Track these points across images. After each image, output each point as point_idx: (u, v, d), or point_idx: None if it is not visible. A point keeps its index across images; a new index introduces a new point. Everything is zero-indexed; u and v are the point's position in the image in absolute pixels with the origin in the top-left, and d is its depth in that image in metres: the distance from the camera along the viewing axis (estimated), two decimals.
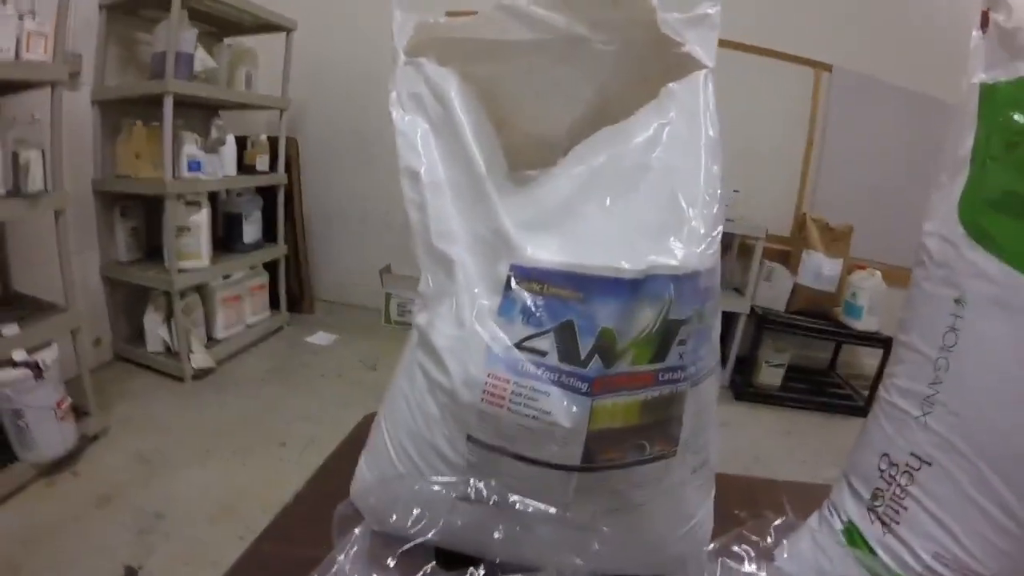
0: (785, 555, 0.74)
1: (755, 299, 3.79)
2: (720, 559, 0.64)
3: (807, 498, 0.80)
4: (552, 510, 0.58)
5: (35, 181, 2.20)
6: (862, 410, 3.63)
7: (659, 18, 0.65)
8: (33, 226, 2.64)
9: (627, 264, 0.56)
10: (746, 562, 0.68)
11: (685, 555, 0.65)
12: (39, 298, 2.53)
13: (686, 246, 0.59)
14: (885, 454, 0.69)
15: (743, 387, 3.78)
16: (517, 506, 0.58)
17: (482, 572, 0.57)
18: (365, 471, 0.72)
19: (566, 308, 0.56)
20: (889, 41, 3.71)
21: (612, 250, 0.57)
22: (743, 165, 3.89)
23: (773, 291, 3.76)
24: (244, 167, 3.61)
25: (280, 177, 3.83)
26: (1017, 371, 0.57)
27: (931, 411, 0.64)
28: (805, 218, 3.76)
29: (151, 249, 3.36)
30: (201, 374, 3.17)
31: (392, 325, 4.14)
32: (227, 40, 3.58)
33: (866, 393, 3.81)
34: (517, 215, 0.62)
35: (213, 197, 3.49)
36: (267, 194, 3.83)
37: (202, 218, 3.20)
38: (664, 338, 0.57)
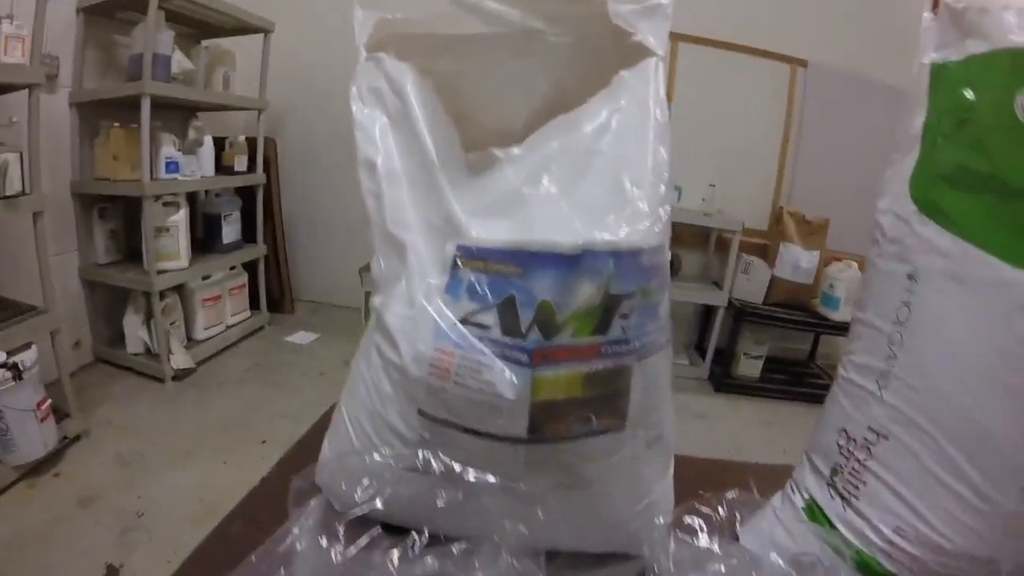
0: (746, 533, 0.75)
1: (733, 292, 3.83)
2: (672, 531, 0.65)
3: (774, 479, 0.81)
4: (495, 479, 0.60)
5: (13, 183, 2.20)
6: None
7: (611, 9, 0.67)
8: (11, 228, 2.62)
9: (564, 239, 0.58)
10: (700, 534, 0.70)
11: (642, 532, 0.66)
12: (18, 300, 2.51)
13: (629, 224, 0.61)
14: (843, 429, 0.70)
15: (722, 379, 3.82)
16: (464, 476, 0.60)
17: (425, 537, 0.58)
18: (327, 452, 0.74)
19: (508, 284, 0.58)
20: (864, 36, 3.75)
21: (553, 228, 0.59)
22: (720, 160, 3.94)
23: (751, 284, 3.80)
24: (222, 168, 3.60)
25: (259, 177, 3.82)
26: (970, 342, 0.58)
27: (887, 385, 0.65)
28: (782, 211, 3.80)
29: (130, 251, 3.35)
30: (182, 375, 3.16)
31: None
32: (204, 42, 3.59)
33: None
34: (468, 203, 0.64)
35: (192, 198, 3.49)
36: (246, 195, 3.82)
37: (180, 219, 3.20)
38: (606, 312, 0.59)
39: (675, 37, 3.83)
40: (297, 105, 4.21)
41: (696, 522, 0.70)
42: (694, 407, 3.53)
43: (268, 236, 4.06)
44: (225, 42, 3.66)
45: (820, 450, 0.74)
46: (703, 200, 3.77)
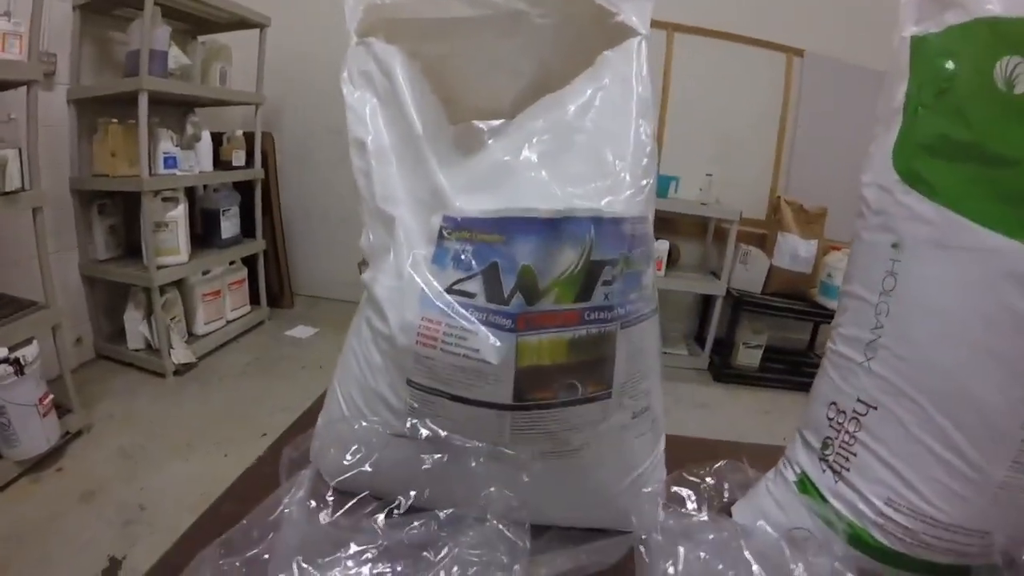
0: (740, 508, 0.76)
1: (731, 282, 3.83)
2: (661, 504, 0.66)
3: (769, 458, 0.81)
4: (482, 444, 0.61)
5: (12, 179, 2.20)
6: None
7: None
8: (11, 225, 2.63)
9: (544, 205, 0.59)
10: (688, 503, 0.71)
11: (632, 506, 0.67)
12: (18, 297, 2.52)
13: (610, 193, 0.62)
14: (833, 403, 0.71)
15: (722, 369, 3.82)
16: (451, 442, 0.61)
17: (411, 498, 0.59)
18: (321, 429, 0.76)
19: (491, 251, 0.59)
20: (860, 24, 3.74)
21: (535, 196, 0.60)
22: (717, 150, 3.95)
23: (749, 273, 3.81)
24: (220, 163, 3.62)
25: (257, 172, 3.83)
26: (955, 309, 0.59)
27: (874, 356, 0.65)
28: (780, 201, 3.80)
29: (130, 247, 3.36)
30: (182, 369, 3.17)
31: None
32: (201, 38, 3.59)
33: None
34: (454, 178, 0.65)
35: (190, 193, 3.49)
36: (244, 189, 3.83)
37: (179, 214, 3.20)
38: (588, 278, 0.60)
39: (671, 28, 3.83)
40: (294, 99, 4.21)
41: (684, 492, 0.71)
42: (693, 397, 3.54)
43: (267, 231, 4.06)
44: (221, 37, 3.67)
45: (811, 425, 0.75)
46: (701, 190, 3.78)
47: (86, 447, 2.47)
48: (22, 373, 2.15)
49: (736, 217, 3.68)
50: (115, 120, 3.00)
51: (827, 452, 0.71)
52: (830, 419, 0.71)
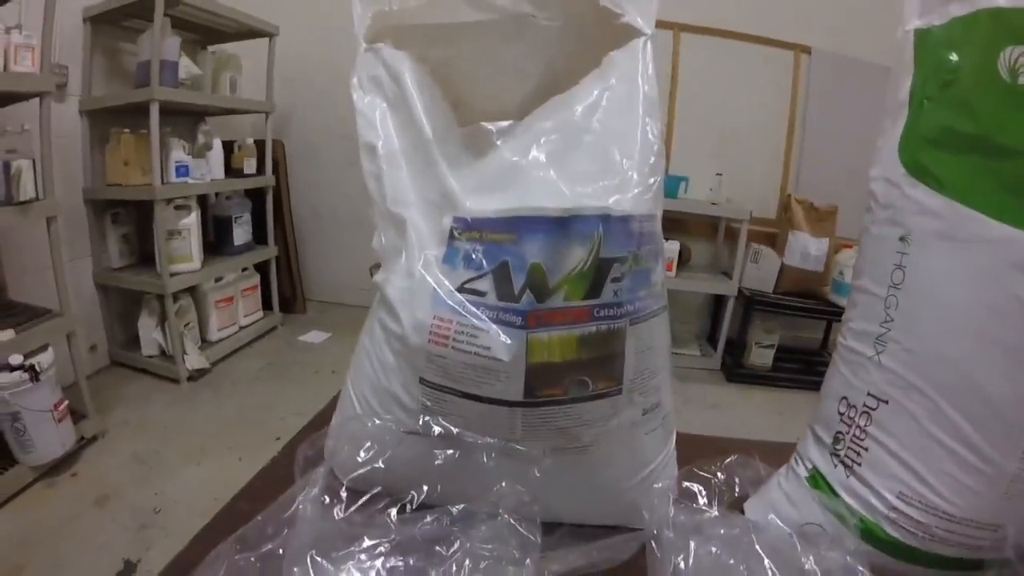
0: (752, 505, 0.77)
1: (743, 281, 3.82)
2: (673, 500, 0.66)
3: (781, 455, 0.82)
4: (493, 440, 0.62)
5: (26, 189, 2.23)
6: None
7: None
8: (26, 235, 2.66)
9: (552, 204, 0.60)
10: (699, 498, 0.71)
11: (642, 504, 0.67)
12: (33, 305, 2.55)
13: (618, 192, 0.63)
14: (844, 397, 0.71)
15: (734, 369, 3.81)
16: (463, 438, 0.62)
17: (424, 492, 0.60)
18: (335, 429, 0.77)
19: (501, 251, 0.60)
20: (867, 21, 3.73)
21: (543, 196, 0.61)
22: (726, 149, 3.94)
23: (760, 272, 3.79)
24: (231, 170, 3.64)
25: (268, 179, 3.85)
26: (963, 300, 0.59)
27: (884, 349, 0.65)
28: (790, 199, 3.78)
29: (143, 255, 3.39)
30: (196, 375, 3.19)
31: None
32: (210, 48, 3.62)
33: None
34: (464, 180, 0.66)
35: (202, 201, 3.52)
36: (256, 197, 3.86)
37: (192, 221, 3.23)
38: (597, 275, 0.61)
39: (677, 28, 3.83)
40: (304, 107, 4.24)
41: (695, 487, 0.71)
42: (706, 397, 3.53)
43: (279, 237, 4.09)
44: (230, 47, 3.69)
45: (822, 420, 0.75)
46: (711, 190, 3.77)
47: (101, 452, 2.49)
48: (37, 379, 2.17)
49: (746, 216, 3.67)
50: (127, 130, 3.02)
51: (838, 447, 0.71)
52: (841, 414, 0.71)
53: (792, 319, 3.85)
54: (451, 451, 0.61)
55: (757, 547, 0.57)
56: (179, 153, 3.14)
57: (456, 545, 0.52)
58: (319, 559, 0.51)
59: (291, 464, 0.64)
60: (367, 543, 0.52)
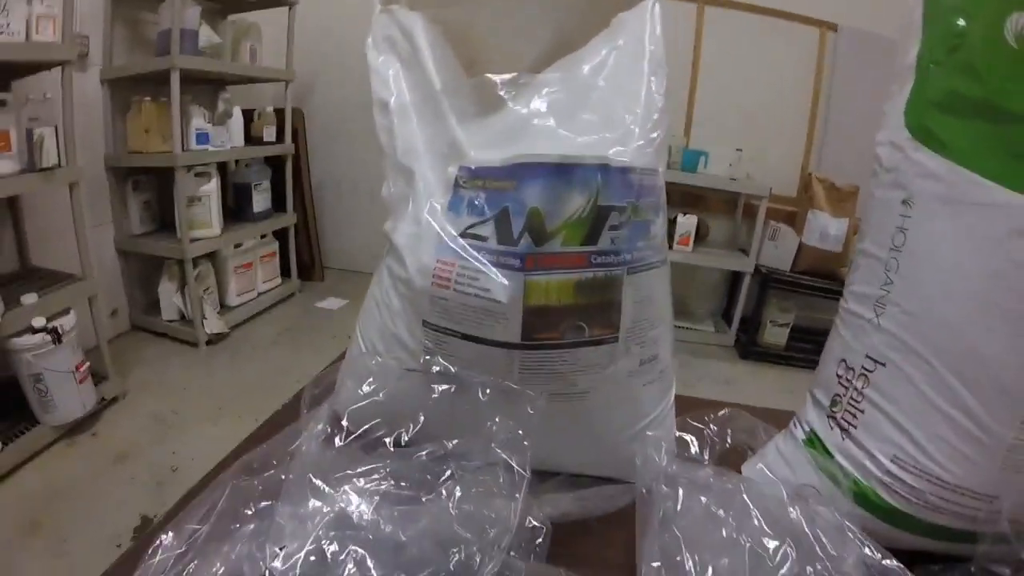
0: (749, 466, 0.78)
1: (760, 259, 3.80)
2: (662, 446, 0.67)
3: (782, 421, 0.82)
4: (490, 378, 0.63)
5: (49, 156, 2.26)
6: None
7: None
8: (49, 202, 2.71)
9: (553, 151, 0.61)
10: (691, 447, 0.72)
11: (637, 455, 0.68)
12: (56, 270, 2.60)
13: (619, 143, 0.64)
14: (842, 360, 0.71)
15: (748, 347, 3.81)
16: (461, 375, 0.63)
17: (420, 421, 0.62)
18: (343, 376, 0.79)
19: (503, 197, 0.62)
20: None
21: (545, 144, 0.63)
22: (748, 125, 3.90)
23: (778, 251, 3.77)
24: (251, 139, 3.66)
25: (287, 147, 3.88)
26: (963, 265, 0.59)
27: (883, 312, 0.65)
28: (811, 178, 3.73)
29: (164, 221, 3.44)
30: (215, 339, 3.25)
31: None
32: (231, 16, 3.63)
33: None
34: (472, 133, 0.68)
35: (222, 169, 3.54)
36: (275, 165, 3.89)
37: (212, 188, 3.26)
38: (595, 222, 0.62)
39: (701, 2, 3.78)
40: (323, 76, 4.25)
41: (688, 437, 0.72)
42: (718, 374, 3.54)
43: (297, 205, 4.12)
44: (250, 16, 3.70)
45: (821, 383, 0.75)
46: (730, 165, 3.72)
47: (120, 413, 2.55)
48: (59, 342, 2.21)
49: (766, 193, 3.64)
50: (148, 98, 3.05)
51: (835, 409, 0.71)
52: (839, 376, 0.71)
53: (808, 299, 3.81)
54: (448, 386, 0.63)
55: (746, 499, 0.58)
56: (199, 121, 3.17)
57: (447, 475, 0.54)
58: (316, 482, 0.52)
59: (289, 421, 0.66)
60: (362, 469, 0.54)
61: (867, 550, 0.54)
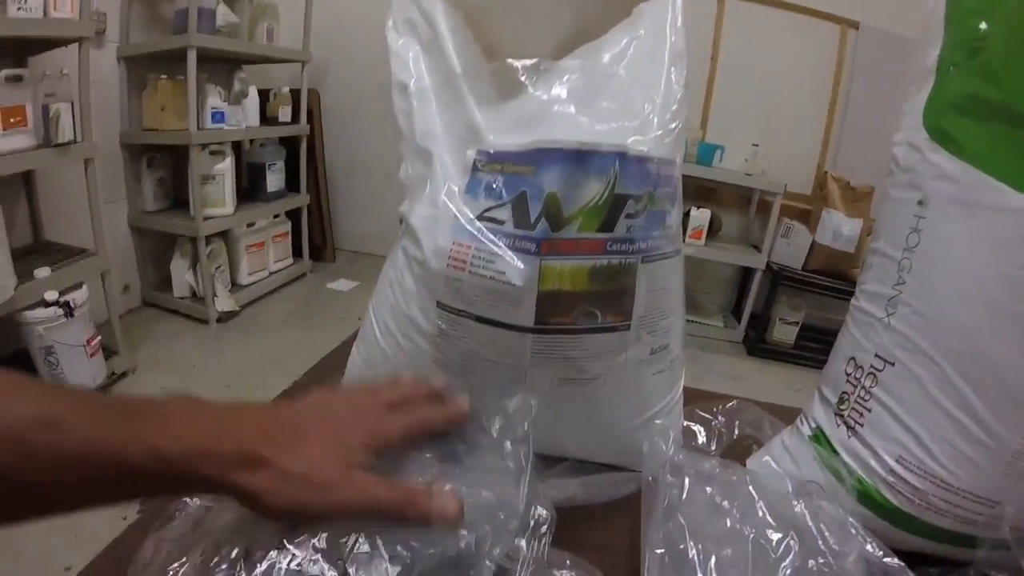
0: (754, 461, 0.77)
1: (772, 256, 3.79)
2: (670, 435, 0.67)
3: (789, 417, 0.82)
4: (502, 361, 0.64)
5: (65, 131, 2.29)
6: None
7: None
8: (63, 177, 2.73)
9: (571, 137, 0.62)
10: (698, 437, 0.72)
11: (639, 448, 0.68)
12: (70, 245, 2.63)
13: (637, 132, 0.64)
14: (851, 358, 0.71)
15: (756, 343, 3.81)
16: (476, 358, 0.64)
17: None
18: (355, 356, 0.81)
19: (521, 181, 0.62)
20: None
21: (564, 130, 0.63)
22: (764, 120, 3.88)
23: (791, 248, 3.76)
24: (267, 119, 3.68)
25: (302, 128, 3.89)
26: (976, 268, 0.59)
27: (895, 311, 0.65)
28: (826, 176, 3.72)
29: (178, 199, 3.46)
30: (225, 317, 3.27)
31: None
32: None
33: None
34: (491, 117, 0.68)
35: (237, 148, 3.57)
36: (290, 145, 3.90)
37: (226, 167, 3.28)
38: (611, 210, 0.62)
39: None
40: (339, 58, 4.25)
41: (695, 427, 0.73)
42: (726, 369, 3.54)
43: (311, 186, 4.15)
44: None
45: (829, 380, 0.75)
46: (746, 160, 3.72)
47: (130, 387, 2.59)
48: (71, 315, 2.24)
49: (781, 190, 3.62)
50: (164, 76, 3.06)
51: (842, 407, 0.71)
52: (848, 374, 0.71)
53: (818, 298, 3.81)
54: (459, 368, 0.63)
55: (751, 491, 0.58)
56: (215, 100, 3.18)
57: (452, 457, 0.54)
58: None
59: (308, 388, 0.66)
60: None
61: (869, 547, 0.54)
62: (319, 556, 0.44)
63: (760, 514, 0.56)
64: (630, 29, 0.70)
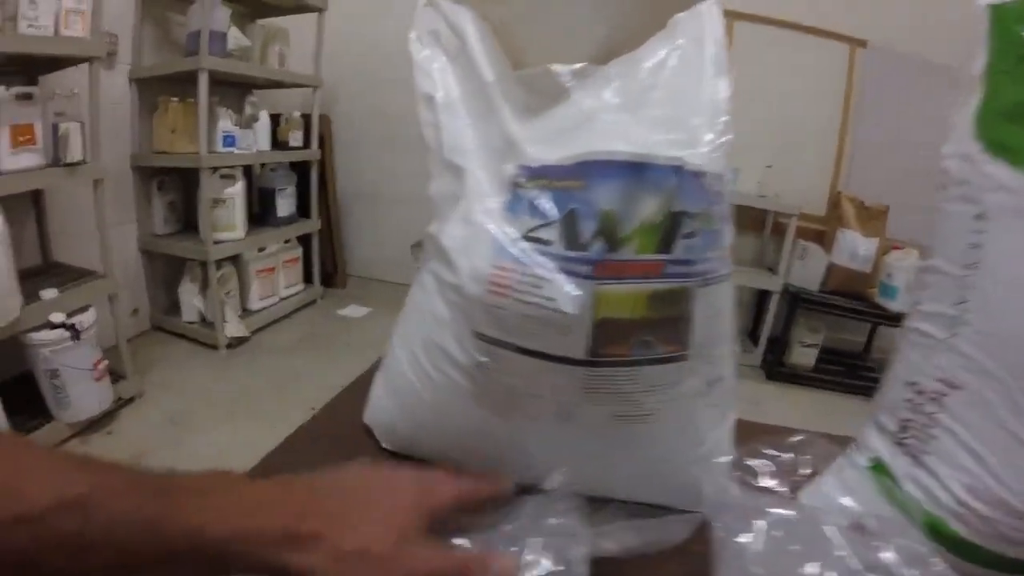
0: (807, 496, 0.72)
1: (788, 278, 3.74)
2: (736, 472, 0.62)
3: (820, 449, 0.75)
4: (551, 399, 0.59)
5: (74, 151, 2.27)
6: None
7: None
8: (72, 198, 2.72)
9: (627, 148, 0.56)
10: (762, 477, 0.67)
11: (700, 482, 0.63)
12: (78, 266, 2.60)
13: (690, 146, 0.59)
14: (912, 383, 0.66)
15: (775, 367, 3.74)
16: (520, 399, 0.58)
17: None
18: (379, 389, 0.75)
19: (570, 198, 0.57)
20: (926, 16, 3.60)
21: (617, 140, 0.57)
22: (777, 141, 3.84)
23: (807, 270, 3.70)
24: (278, 143, 3.66)
25: (313, 153, 3.88)
26: None
27: (958, 332, 0.61)
28: (840, 196, 3.68)
29: (188, 223, 3.45)
30: (235, 343, 3.24)
31: None
32: (259, 21, 3.64)
33: None
34: (528, 128, 0.63)
35: (248, 173, 3.55)
36: (301, 170, 3.90)
37: (237, 191, 3.27)
38: (669, 229, 0.57)
39: (731, 16, 3.74)
40: (350, 84, 4.25)
41: (759, 464, 0.68)
42: (744, 394, 3.44)
43: (322, 211, 4.13)
44: (279, 21, 3.70)
45: (887, 407, 0.70)
46: (759, 182, 3.68)
47: (137, 412, 2.54)
48: (78, 338, 2.21)
49: (795, 211, 3.59)
50: (175, 99, 3.06)
51: (904, 436, 0.66)
52: (908, 400, 0.66)
53: (837, 320, 3.75)
54: (503, 424, 0.57)
55: (826, 531, 0.53)
56: (226, 123, 3.18)
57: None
58: None
59: (327, 423, 0.62)
60: None
61: None
62: None
63: (841, 558, 0.51)
64: (667, 40, 0.65)
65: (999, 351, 0.58)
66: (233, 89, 3.55)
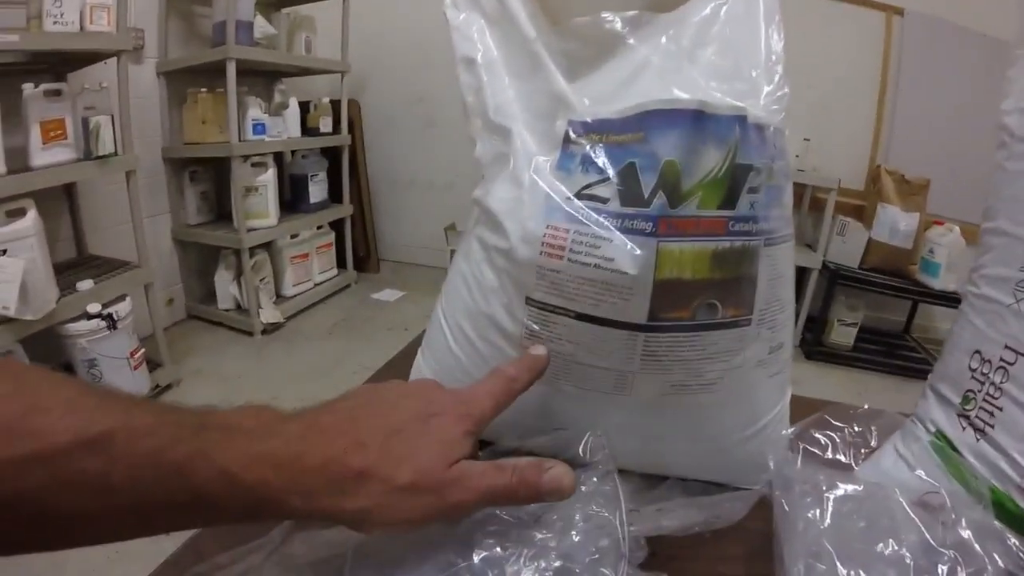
0: (864, 471, 0.69)
1: (827, 254, 3.66)
2: (800, 445, 0.59)
3: (887, 421, 0.73)
4: (608, 366, 0.56)
5: (105, 144, 2.29)
6: None
7: None
8: (105, 191, 2.75)
9: (686, 95, 0.53)
10: (830, 450, 0.64)
11: (761, 457, 0.60)
12: (113, 258, 2.63)
13: (751, 97, 0.56)
14: (976, 351, 0.62)
15: (814, 346, 3.67)
16: (575, 366, 0.55)
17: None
18: (421, 363, 0.72)
19: (627, 152, 0.53)
20: None
21: (676, 88, 0.54)
22: (813, 114, 3.75)
23: (846, 246, 3.62)
24: (308, 129, 3.68)
25: (343, 138, 3.89)
26: None
27: None
28: (879, 170, 3.58)
29: (221, 212, 3.49)
30: (270, 329, 3.27)
31: None
32: (284, 10, 3.65)
33: None
34: (579, 81, 0.60)
35: (279, 160, 3.57)
36: (331, 156, 3.91)
37: (268, 178, 3.29)
38: (733, 182, 0.53)
39: None
40: (379, 68, 4.25)
41: (825, 437, 0.64)
42: None
43: (354, 196, 4.15)
44: (304, 8, 3.71)
45: (948, 378, 0.66)
46: (797, 156, 3.58)
47: (174, 399, 2.53)
48: (114, 328, 2.24)
49: (834, 185, 3.50)
50: (204, 90, 3.08)
51: (968, 407, 0.62)
52: (973, 370, 0.62)
53: (877, 297, 3.67)
54: (555, 394, 0.55)
55: (895, 509, 0.50)
56: (256, 111, 3.19)
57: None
58: None
59: None
60: None
61: None
62: None
63: (916, 534, 0.48)
64: None
65: None
66: (261, 78, 3.57)
